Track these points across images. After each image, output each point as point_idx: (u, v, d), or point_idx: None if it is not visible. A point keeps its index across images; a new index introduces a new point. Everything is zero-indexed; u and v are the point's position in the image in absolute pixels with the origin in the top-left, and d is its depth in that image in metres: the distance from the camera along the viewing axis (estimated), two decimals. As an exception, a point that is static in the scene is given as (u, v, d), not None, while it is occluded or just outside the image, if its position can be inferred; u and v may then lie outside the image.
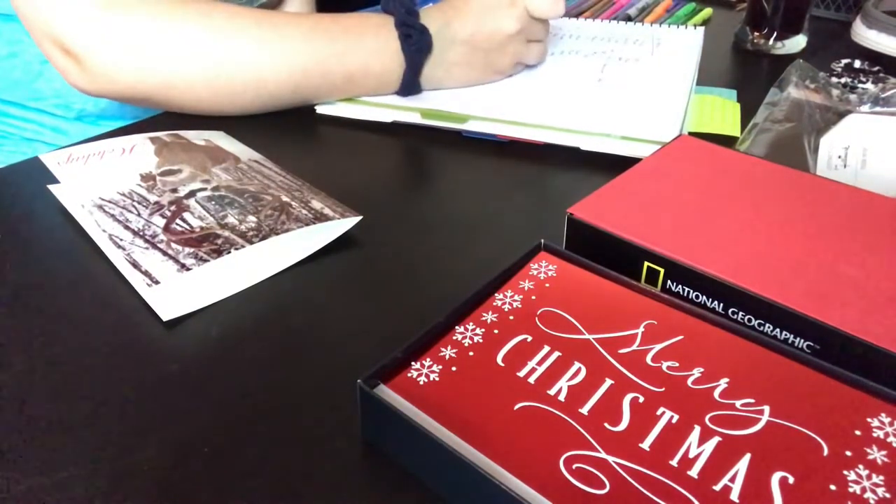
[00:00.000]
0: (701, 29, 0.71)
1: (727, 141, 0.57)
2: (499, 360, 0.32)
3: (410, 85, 0.61)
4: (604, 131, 0.55)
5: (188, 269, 0.41)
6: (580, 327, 0.33)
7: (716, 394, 0.30)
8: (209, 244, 0.43)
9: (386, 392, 0.31)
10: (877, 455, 0.27)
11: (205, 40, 0.56)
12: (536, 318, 0.34)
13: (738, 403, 0.29)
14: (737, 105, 0.63)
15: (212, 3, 0.59)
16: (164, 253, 0.42)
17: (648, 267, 0.38)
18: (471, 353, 0.32)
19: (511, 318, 0.34)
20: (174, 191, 0.48)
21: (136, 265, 0.41)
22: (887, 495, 0.25)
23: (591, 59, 0.66)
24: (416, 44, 0.58)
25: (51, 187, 0.49)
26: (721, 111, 0.62)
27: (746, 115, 0.61)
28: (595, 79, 0.63)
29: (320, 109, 0.62)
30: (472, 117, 0.59)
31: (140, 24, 0.55)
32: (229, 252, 0.42)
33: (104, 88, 0.58)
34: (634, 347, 0.32)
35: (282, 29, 0.58)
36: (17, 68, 0.65)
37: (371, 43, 0.58)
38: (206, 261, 0.41)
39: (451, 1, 0.61)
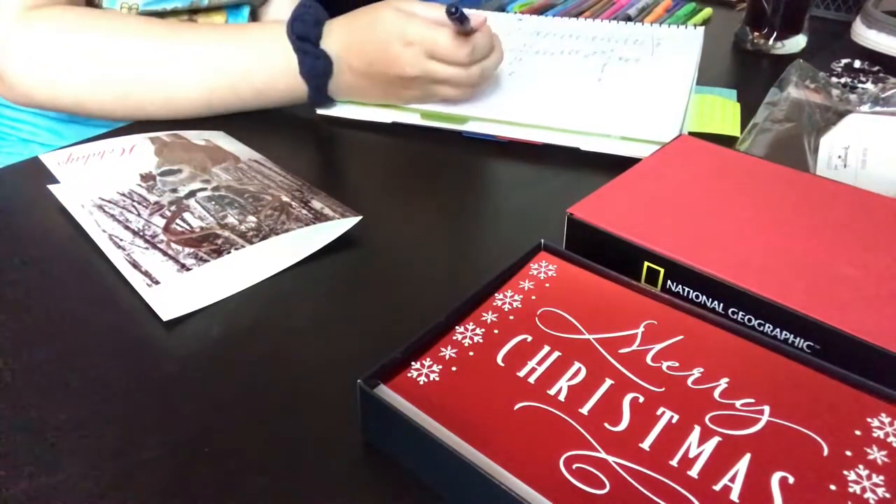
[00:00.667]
0: (701, 29, 0.71)
1: (727, 141, 0.57)
2: (499, 360, 0.32)
3: (319, 101, 0.60)
4: (603, 132, 0.55)
5: (188, 270, 0.41)
6: (580, 327, 0.33)
7: (716, 394, 0.30)
8: (209, 244, 0.43)
9: (386, 392, 0.31)
10: (877, 455, 0.27)
11: (110, 60, 0.56)
12: (536, 318, 0.34)
13: (738, 403, 0.29)
14: (737, 105, 0.63)
15: (118, 19, 0.58)
16: (164, 253, 0.42)
17: (648, 267, 0.38)
18: (471, 353, 0.32)
19: (511, 318, 0.34)
20: (174, 191, 0.48)
21: (136, 265, 0.41)
22: (887, 495, 0.25)
23: (591, 59, 0.66)
24: (311, 69, 0.57)
25: (51, 187, 0.49)
26: (721, 111, 0.62)
27: (746, 115, 0.61)
28: (595, 79, 0.63)
29: (320, 110, 0.62)
30: (472, 118, 0.59)
31: (46, 42, 0.56)
32: (229, 252, 0.42)
33: (26, 103, 0.58)
34: (634, 347, 0.32)
35: (188, 47, 0.57)
36: None
37: (274, 61, 0.58)
38: (206, 261, 0.41)
39: (356, 20, 0.57)
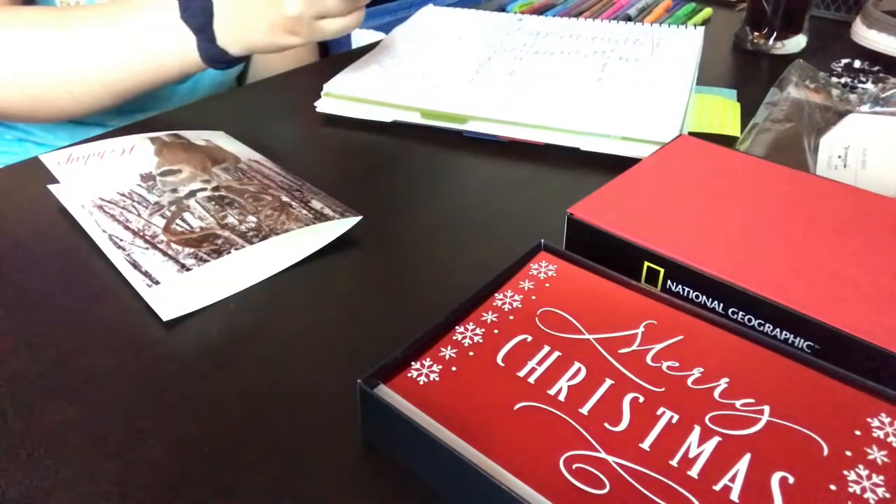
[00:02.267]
0: (701, 29, 0.71)
1: (727, 141, 0.57)
2: (499, 360, 0.32)
3: (211, 53, 0.58)
4: (603, 132, 0.55)
5: (188, 270, 0.41)
6: (580, 327, 0.33)
7: (716, 394, 0.30)
8: (209, 244, 0.43)
9: (386, 392, 0.31)
10: (877, 455, 0.27)
11: (8, 50, 0.56)
12: (536, 318, 0.34)
13: (738, 403, 0.29)
14: (737, 105, 0.63)
15: (14, 10, 0.58)
16: (164, 253, 0.42)
17: (648, 267, 0.38)
18: (471, 353, 0.32)
19: (511, 318, 0.34)
20: (174, 191, 0.48)
21: (136, 265, 0.41)
22: (887, 495, 0.25)
23: (592, 59, 0.66)
24: (190, 9, 0.55)
25: (51, 187, 0.49)
26: (721, 111, 0.62)
27: (746, 115, 0.61)
28: (595, 78, 0.63)
29: (321, 108, 0.62)
30: (473, 118, 0.59)
31: None
32: (229, 252, 0.42)
33: None
34: (634, 347, 0.32)
35: (75, 26, 0.56)
36: None
37: (158, 19, 0.56)
38: (205, 261, 0.41)
39: None
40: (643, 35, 0.71)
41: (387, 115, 0.61)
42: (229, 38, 0.57)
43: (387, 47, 0.72)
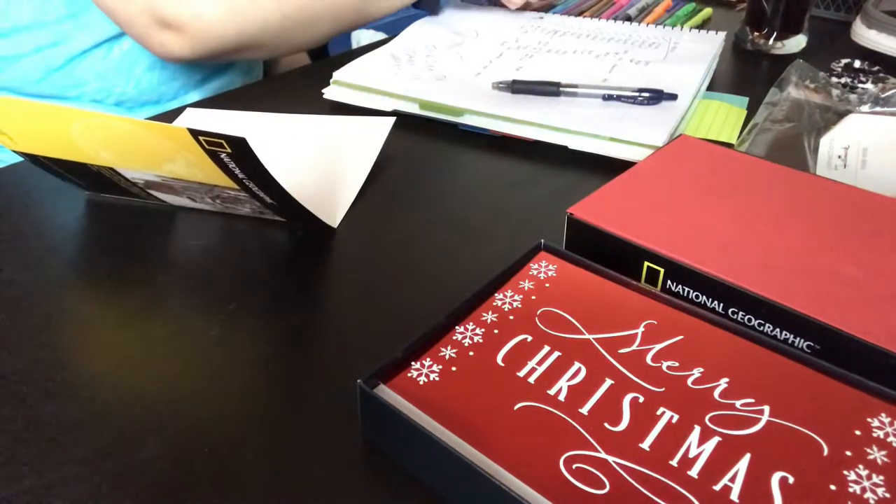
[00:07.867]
0: (721, 34, 0.70)
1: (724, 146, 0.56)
2: (499, 360, 0.32)
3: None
4: (592, 132, 0.55)
5: None
6: (580, 327, 0.33)
7: (716, 394, 0.30)
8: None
9: (386, 392, 0.31)
10: (877, 455, 0.27)
11: None
12: (536, 318, 0.34)
13: (738, 403, 0.29)
14: (743, 112, 0.61)
15: None
16: None
17: (648, 267, 0.38)
18: (471, 353, 0.32)
19: (511, 318, 0.34)
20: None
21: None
22: (887, 495, 0.25)
23: (602, 60, 0.66)
24: None
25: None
26: (724, 118, 0.61)
27: (746, 116, 0.60)
28: (600, 80, 0.62)
29: (328, 95, 0.64)
30: (468, 111, 0.59)
31: None
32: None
33: (208, 48, 0.64)
34: (634, 347, 0.32)
35: None
36: (60, 55, 0.68)
37: None
38: None
39: None
40: (661, 38, 0.71)
41: (387, 105, 0.62)
42: None
43: (404, 39, 0.72)
